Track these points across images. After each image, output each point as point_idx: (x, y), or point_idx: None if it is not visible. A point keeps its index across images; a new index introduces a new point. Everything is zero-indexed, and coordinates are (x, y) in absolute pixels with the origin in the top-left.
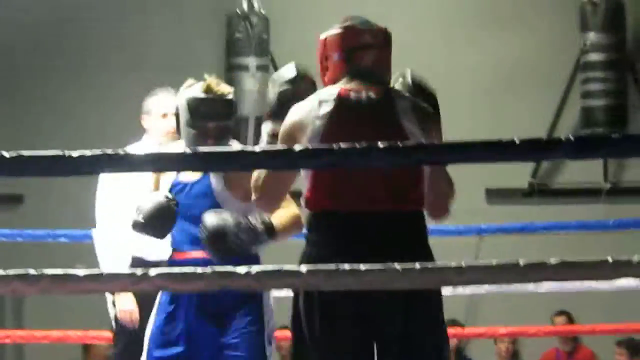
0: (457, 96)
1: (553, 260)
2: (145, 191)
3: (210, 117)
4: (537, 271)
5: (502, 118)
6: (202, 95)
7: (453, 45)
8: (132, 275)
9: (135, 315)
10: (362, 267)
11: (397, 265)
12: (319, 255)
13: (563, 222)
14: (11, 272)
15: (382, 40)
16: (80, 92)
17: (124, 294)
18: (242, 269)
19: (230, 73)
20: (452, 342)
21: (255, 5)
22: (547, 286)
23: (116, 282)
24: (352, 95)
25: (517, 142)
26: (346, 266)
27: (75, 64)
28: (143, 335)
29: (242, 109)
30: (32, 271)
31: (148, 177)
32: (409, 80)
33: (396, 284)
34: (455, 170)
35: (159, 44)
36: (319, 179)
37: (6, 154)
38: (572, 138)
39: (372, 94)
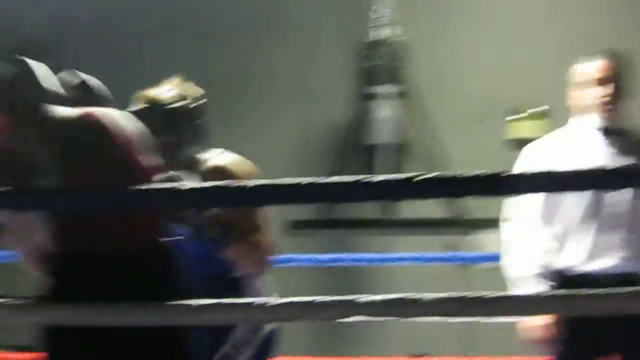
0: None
1: None
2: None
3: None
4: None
5: None
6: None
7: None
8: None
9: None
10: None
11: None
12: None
13: None
14: None
15: None
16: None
17: None
18: (363, 297)
19: (364, 101)
20: None
21: (389, 32)
22: None
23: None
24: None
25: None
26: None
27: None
28: None
29: (377, 137)
30: None
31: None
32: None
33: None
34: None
35: (291, 73)
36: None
37: None
38: None
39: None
